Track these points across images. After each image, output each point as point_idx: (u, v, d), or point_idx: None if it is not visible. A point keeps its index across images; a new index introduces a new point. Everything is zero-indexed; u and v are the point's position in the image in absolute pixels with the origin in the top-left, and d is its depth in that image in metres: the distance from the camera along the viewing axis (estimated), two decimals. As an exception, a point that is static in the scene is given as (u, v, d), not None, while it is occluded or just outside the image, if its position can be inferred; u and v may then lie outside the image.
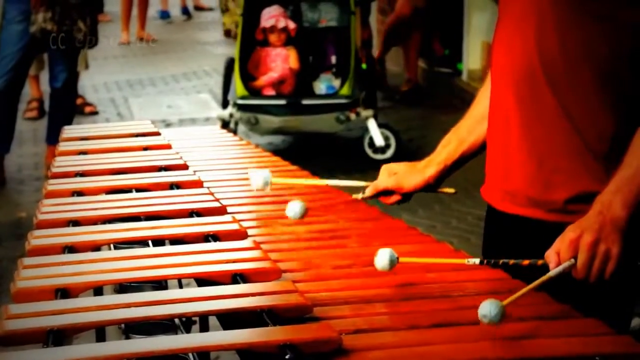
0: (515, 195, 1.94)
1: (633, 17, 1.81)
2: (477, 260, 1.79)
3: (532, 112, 1.89)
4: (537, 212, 1.91)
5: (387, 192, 2.16)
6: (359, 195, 2.19)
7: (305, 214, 2.13)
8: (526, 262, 1.76)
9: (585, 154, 1.86)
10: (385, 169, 2.17)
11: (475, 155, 2.13)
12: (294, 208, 2.13)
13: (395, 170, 2.16)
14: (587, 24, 1.82)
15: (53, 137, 5.77)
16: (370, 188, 2.16)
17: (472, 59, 7.63)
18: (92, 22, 5.68)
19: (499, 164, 1.98)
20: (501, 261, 1.78)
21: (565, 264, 1.70)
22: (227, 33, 10.45)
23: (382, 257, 1.75)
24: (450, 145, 2.13)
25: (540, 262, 1.74)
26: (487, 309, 1.50)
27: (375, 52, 7.71)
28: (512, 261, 1.77)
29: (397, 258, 1.76)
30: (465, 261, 1.79)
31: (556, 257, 1.71)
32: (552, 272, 1.69)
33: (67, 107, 5.92)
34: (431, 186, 2.14)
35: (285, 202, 2.16)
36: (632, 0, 1.80)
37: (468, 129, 2.12)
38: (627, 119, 1.83)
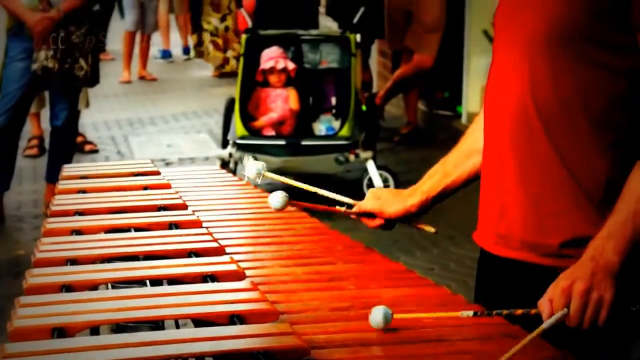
0: (509, 239, 1.94)
1: (627, 64, 1.82)
2: (470, 313, 1.78)
3: (527, 155, 1.89)
4: (531, 255, 1.92)
5: (370, 216, 2.20)
6: (343, 208, 2.22)
7: (286, 204, 2.14)
8: (519, 311, 1.75)
9: (580, 199, 1.86)
10: (371, 192, 2.24)
11: (458, 189, 2.17)
12: (276, 197, 2.13)
13: (380, 195, 2.22)
14: (581, 70, 1.83)
15: (53, 175, 5.77)
16: (355, 207, 2.22)
17: (471, 101, 7.66)
18: (93, 61, 5.70)
19: (493, 207, 1.98)
20: (494, 312, 1.77)
21: (558, 314, 1.69)
22: (222, 70, 10.61)
23: (376, 316, 1.73)
24: (435, 177, 2.17)
25: (533, 311, 1.73)
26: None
27: (378, 95, 7.71)
28: (505, 311, 1.76)
29: (392, 315, 1.74)
30: (460, 314, 1.78)
31: (549, 305, 1.71)
32: (545, 324, 1.68)
33: (67, 145, 5.93)
34: (412, 215, 2.19)
35: (286, 243, 2.17)
36: (626, 48, 1.81)
37: (454, 163, 2.15)
38: (622, 164, 1.83)
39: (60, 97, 5.76)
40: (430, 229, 2.23)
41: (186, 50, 12.10)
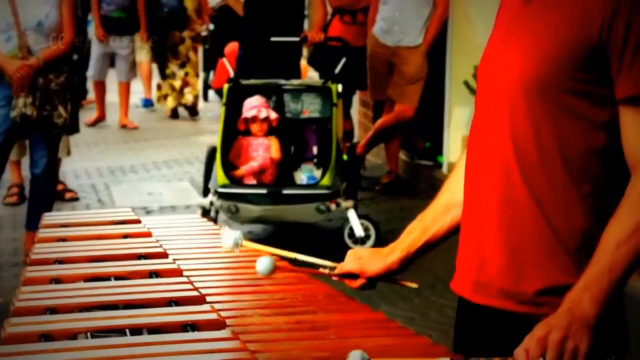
0: (487, 287, 1.96)
1: (605, 116, 1.84)
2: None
3: (507, 205, 1.91)
4: (508, 303, 1.93)
5: (352, 276, 2.20)
6: (326, 270, 2.22)
7: (273, 270, 2.13)
8: (496, 359, 1.75)
9: (557, 249, 1.88)
10: (351, 253, 2.23)
11: (438, 243, 2.17)
12: (263, 263, 2.12)
13: (360, 255, 2.22)
14: (560, 120, 1.85)
15: (33, 224, 5.72)
16: (337, 269, 2.21)
17: (452, 152, 7.70)
18: (72, 109, 5.67)
19: (472, 256, 1.99)
20: (472, 359, 1.77)
21: None
22: (174, 113, 11.21)
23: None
24: (414, 233, 2.17)
25: (509, 359, 1.73)
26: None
27: (359, 144, 7.74)
28: (482, 359, 1.76)
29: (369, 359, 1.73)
30: None
31: (525, 354, 1.71)
32: None
33: (46, 193, 5.88)
34: (394, 272, 2.19)
35: (267, 292, 2.16)
36: (604, 100, 1.84)
37: (432, 218, 2.16)
38: (599, 214, 1.85)
39: (40, 145, 5.73)
40: (413, 285, 2.24)
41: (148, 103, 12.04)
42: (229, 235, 2.26)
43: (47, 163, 5.74)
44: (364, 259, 2.20)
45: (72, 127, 5.82)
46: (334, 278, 2.26)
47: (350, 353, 1.71)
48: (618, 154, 1.85)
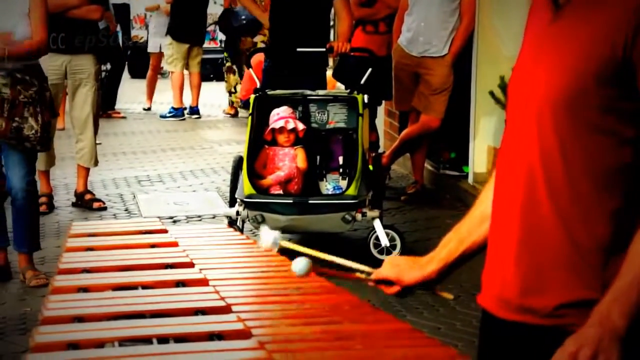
0: (510, 302, 1.96)
1: (633, 132, 1.84)
2: None
3: (530, 222, 1.92)
4: (530, 317, 1.93)
5: (388, 283, 2.23)
6: (363, 274, 2.25)
7: (309, 271, 2.14)
8: None
9: (581, 265, 1.88)
10: (388, 260, 2.26)
11: (475, 255, 2.18)
12: (298, 264, 2.13)
13: (398, 263, 2.24)
14: (586, 135, 1.85)
15: (18, 245, 5.62)
16: (373, 275, 2.25)
17: (478, 162, 7.68)
18: (43, 122, 5.52)
19: (496, 270, 2.00)
20: None
21: None
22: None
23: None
24: (451, 245, 2.19)
25: None
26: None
27: (385, 154, 7.74)
28: None
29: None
30: None
31: None
32: None
33: (28, 212, 5.63)
34: (432, 281, 2.20)
35: (293, 302, 2.17)
36: (632, 115, 1.84)
37: (468, 230, 2.17)
38: (625, 231, 1.85)
39: (14, 162, 5.51)
40: (449, 296, 2.25)
41: (193, 110, 12.22)
42: (268, 234, 2.28)
43: (24, 182, 5.53)
44: (402, 268, 2.22)
45: (45, 141, 5.61)
46: (370, 283, 2.28)
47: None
48: None
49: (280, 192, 6.12)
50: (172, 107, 12.15)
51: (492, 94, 7.39)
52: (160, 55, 12.41)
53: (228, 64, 12.24)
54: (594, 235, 1.86)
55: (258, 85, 6.59)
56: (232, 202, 6.27)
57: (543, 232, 1.90)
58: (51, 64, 7.07)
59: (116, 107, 12.33)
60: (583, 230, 1.87)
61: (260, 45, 11.43)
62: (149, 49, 12.76)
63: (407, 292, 2.24)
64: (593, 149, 1.85)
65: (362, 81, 6.47)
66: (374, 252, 6.06)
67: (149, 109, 12.71)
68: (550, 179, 1.88)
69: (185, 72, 11.94)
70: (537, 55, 1.94)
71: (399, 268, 2.22)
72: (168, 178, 8.65)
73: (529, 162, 1.92)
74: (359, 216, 5.96)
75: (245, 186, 5.98)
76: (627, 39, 1.80)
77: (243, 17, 11.30)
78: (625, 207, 1.86)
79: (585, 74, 1.84)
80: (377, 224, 6.04)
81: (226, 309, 2.08)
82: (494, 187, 2.05)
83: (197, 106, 12.24)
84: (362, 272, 2.27)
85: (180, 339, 1.91)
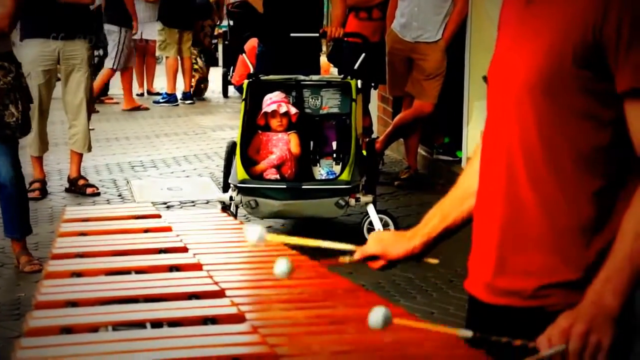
0: (494, 287, 1.98)
1: (611, 114, 1.85)
2: (469, 333, 1.80)
3: (511, 207, 1.94)
4: (515, 300, 1.95)
5: (373, 258, 2.26)
6: (346, 259, 2.27)
7: (291, 271, 2.15)
8: (518, 342, 1.77)
9: (563, 248, 1.89)
10: (373, 236, 2.29)
11: (458, 230, 2.22)
12: (280, 266, 2.14)
13: (383, 238, 2.27)
14: (565, 118, 1.87)
15: (10, 231, 5.61)
16: (358, 252, 2.27)
17: (471, 147, 7.68)
18: (23, 109, 5.49)
19: (481, 256, 2.03)
20: (494, 337, 1.79)
21: (556, 347, 1.72)
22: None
23: (376, 315, 1.76)
24: (434, 220, 2.22)
25: (531, 344, 1.76)
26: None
27: (378, 139, 7.74)
28: (504, 339, 1.78)
29: (391, 318, 1.77)
30: (457, 331, 1.80)
31: (548, 343, 1.74)
32: (543, 354, 1.71)
33: (16, 199, 5.59)
34: (416, 256, 2.24)
35: (286, 286, 2.17)
36: (610, 97, 1.84)
37: (451, 206, 2.21)
38: (607, 211, 1.86)
39: (0, 153, 5.46)
40: (434, 261, 2.27)
41: (186, 96, 12.21)
42: (254, 231, 2.28)
43: (11, 169, 5.49)
44: (387, 243, 2.25)
45: (25, 127, 5.59)
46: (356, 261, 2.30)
47: (373, 308, 1.74)
48: (625, 151, 1.86)
49: (274, 177, 6.12)
50: (166, 93, 12.14)
51: (485, 79, 7.35)
52: (143, 41, 12.37)
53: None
54: (576, 217, 1.88)
55: (251, 71, 6.58)
56: (225, 188, 6.27)
57: (525, 215, 1.91)
58: (44, 50, 7.06)
59: (109, 93, 12.31)
60: (564, 212, 1.88)
61: (208, 29, 11.76)
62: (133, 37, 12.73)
63: (391, 266, 2.27)
64: (572, 132, 1.87)
65: (356, 67, 6.46)
66: (368, 237, 6.06)
67: (141, 94, 12.69)
68: (530, 162, 1.90)
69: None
70: (514, 40, 1.96)
71: (384, 243, 2.25)
72: (161, 164, 8.64)
73: (509, 146, 1.93)
74: (352, 201, 5.96)
75: (238, 171, 5.98)
76: (597, 21, 1.82)
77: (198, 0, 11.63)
78: (606, 188, 1.88)
79: (562, 56, 1.85)
80: (371, 209, 6.05)
81: (220, 294, 2.08)
82: (479, 170, 2.06)
83: (189, 92, 12.23)
84: (346, 254, 2.28)
85: (174, 323, 1.91)
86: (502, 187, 1.95)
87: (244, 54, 6.93)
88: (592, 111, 1.86)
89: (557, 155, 1.88)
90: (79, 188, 7.43)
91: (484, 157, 2.04)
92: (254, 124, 6.27)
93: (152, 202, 3.06)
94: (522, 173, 1.91)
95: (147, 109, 11.71)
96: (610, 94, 1.84)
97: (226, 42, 12.77)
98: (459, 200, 2.19)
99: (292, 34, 6.67)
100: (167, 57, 11.92)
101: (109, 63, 11.08)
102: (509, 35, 1.99)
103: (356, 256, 2.27)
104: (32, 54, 7.06)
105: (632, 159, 1.86)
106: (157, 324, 1.93)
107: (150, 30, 11.90)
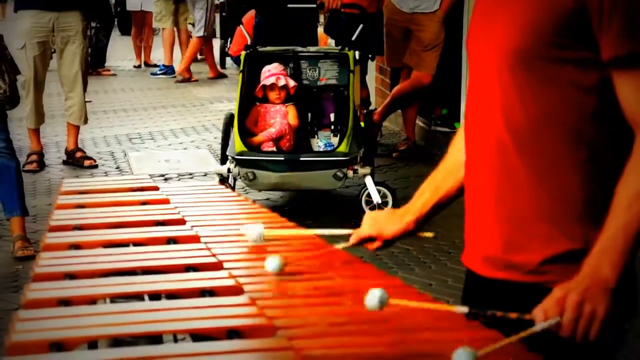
0: (493, 260, 1.98)
1: (593, 80, 1.83)
2: (465, 309, 1.80)
3: (504, 179, 1.93)
4: (514, 274, 1.94)
5: (369, 240, 2.25)
6: (341, 246, 2.26)
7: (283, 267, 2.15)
8: (514, 315, 1.78)
9: (559, 217, 1.88)
10: (367, 217, 2.27)
11: (450, 202, 2.22)
12: (271, 263, 2.14)
13: (377, 218, 2.26)
14: (546, 88, 1.85)
15: (8, 209, 5.47)
16: (354, 236, 2.26)
17: (469, 118, 7.68)
18: (10, 81, 5.43)
19: (476, 229, 2.02)
20: (489, 312, 1.79)
21: (550, 321, 1.72)
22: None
23: (372, 297, 1.76)
24: (426, 194, 2.22)
25: (527, 316, 1.76)
26: (462, 357, 1.52)
27: (376, 111, 7.72)
28: (499, 313, 1.79)
29: (388, 299, 1.77)
30: (454, 308, 1.81)
31: (543, 315, 1.74)
32: (537, 327, 1.72)
33: (11, 172, 5.44)
34: (411, 232, 2.24)
35: (284, 258, 2.17)
36: (591, 64, 1.82)
37: (442, 178, 2.21)
38: (600, 179, 1.85)
39: None
40: (430, 235, 2.27)
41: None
42: (252, 230, 2.29)
43: (4, 143, 5.40)
44: (381, 223, 2.24)
45: (13, 99, 5.50)
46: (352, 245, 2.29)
47: (369, 290, 1.74)
48: (612, 117, 1.84)
49: (272, 149, 6.11)
50: (163, 65, 12.09)
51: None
52: (141, 13, 12.32)
53: None
54: (569, 187, 1.87)
55: (249, 42, 6.55)
56: (223, 160, 6.26)
57: (518, 187, 1.91)
58: (38, 21, 7.02)
59: (106, 64, 12.26)
60: (557, 182, 1.88)
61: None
62: (128, 7, 12.66)
63: (388, 245, 2.27)
64: (556, 101, 1.85)
65: (353, 38, 6.44)
66: (366, 209, 6.06)
67: (139, 66, 12.65)
68: (516, 135, 1.89)
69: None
70: (491, 12, 1.94)
71: (378, 224, 2.24)
72: (159, 136, 8.63)
73: (493, 120, 1.92)
74: (350, 173, 5.96)
75: (236, 143, 5.97)
76: None
77: None
78: (598, 155, 1.86)
79: (539, 25, 1.83)
80: (369, 180, 6.05)
81: (217, 266, 2.08)
82: (465, 145, 2.05)
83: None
84: (342, 237, 2.28)
85: (172, 295, 1.92)
86: (492, 157, 1.93)
87: (241, 26, 6.90)
88: (573, 79, 1.84)
89: (540, 125, 1.86)
90: (76, 160, 7.42)
91: (468, 128, 2.02)
92: (251, 96, 6.25)
93: (149, 175, 3.06)
94: (509, 145, 1.90)
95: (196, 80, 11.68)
96: (591, 61, 1.82)
97: (224, 14, 12.69)
98: (449, 172, 2.18)
99: (289, 5, 6.64)
100: (163, 29, 11.86)
101: (199, 32, 11.20)
102: (485, 8, 1.96)
103: (352, 240, 2.26)
104: (26, 25, 7.03)
105: (622, 127, 1.84)
106: (155, 296, 1.94)
107: (149, 1, 11.85)
